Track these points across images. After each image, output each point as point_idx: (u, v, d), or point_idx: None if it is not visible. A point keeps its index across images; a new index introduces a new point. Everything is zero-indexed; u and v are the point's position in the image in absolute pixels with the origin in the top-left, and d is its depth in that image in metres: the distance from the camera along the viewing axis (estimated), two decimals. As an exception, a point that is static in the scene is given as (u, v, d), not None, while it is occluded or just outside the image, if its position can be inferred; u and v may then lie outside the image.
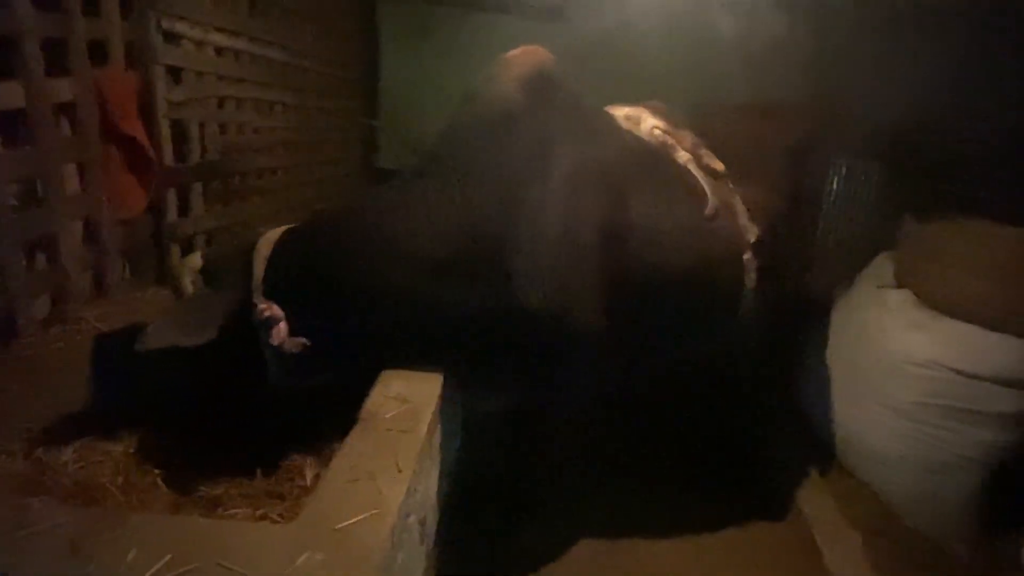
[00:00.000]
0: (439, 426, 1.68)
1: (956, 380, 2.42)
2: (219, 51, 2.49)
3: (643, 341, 1.98)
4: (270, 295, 1.59)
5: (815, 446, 2.80)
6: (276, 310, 1.56)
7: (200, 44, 2.39)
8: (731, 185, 2.08)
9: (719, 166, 2.09)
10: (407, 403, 1.56)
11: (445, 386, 1.68)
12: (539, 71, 1.77)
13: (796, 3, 4.32)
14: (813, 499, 2.40)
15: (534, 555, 2.08)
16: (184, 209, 2.53)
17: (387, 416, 1.51)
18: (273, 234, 1.67)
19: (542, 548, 2.10)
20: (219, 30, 2.44)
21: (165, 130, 2.32)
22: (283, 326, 1.56)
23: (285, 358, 1.57)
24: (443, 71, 4.24)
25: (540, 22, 4.43)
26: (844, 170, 4.45)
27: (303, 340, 1.58)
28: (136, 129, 2.06)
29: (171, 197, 2.42)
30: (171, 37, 2.28)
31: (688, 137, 2.11)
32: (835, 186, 4.26)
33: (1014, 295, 2.41)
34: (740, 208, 2.05)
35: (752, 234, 2.02)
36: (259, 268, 1.60)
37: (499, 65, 1.83)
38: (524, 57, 1.80)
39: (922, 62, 3.90)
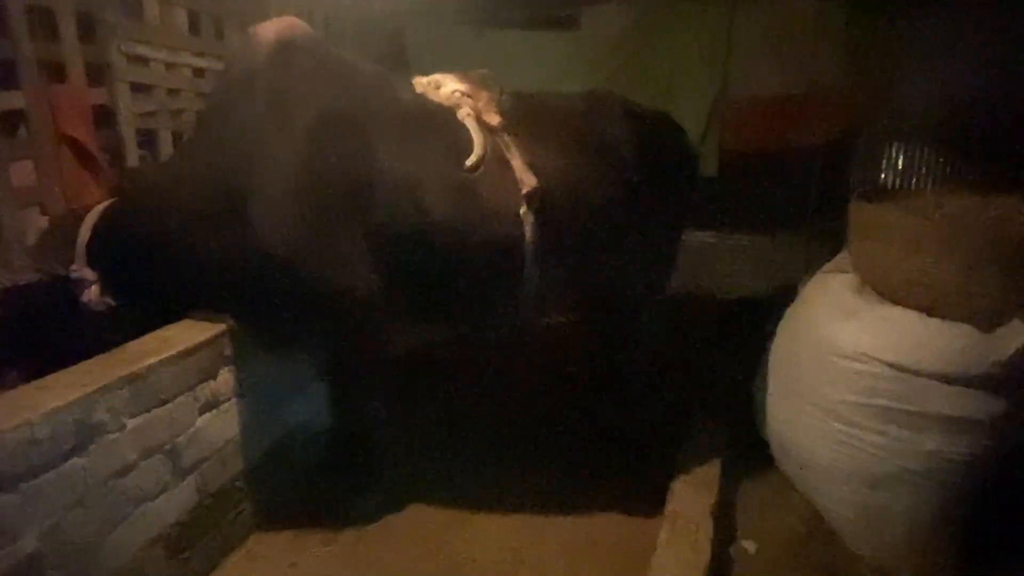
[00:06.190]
0: (231, 370, 1.86)
1: (890, 376, 2.05)
2: (168, 66, 2.88)
3: (426, 298, 2.00)
4: (92, 258, 1.84)
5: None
6: (87, 273, 1.82)
7: (155, 62, 2.80)
8: (507, 138, 2.02)
9: (494, 119, 2.04)
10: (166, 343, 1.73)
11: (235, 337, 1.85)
12: (283, 38, 1.87)
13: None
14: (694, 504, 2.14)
15: (357, 519, 2.09)
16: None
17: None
18: (103, 205, 1.94)
19: (366, 514, 2.11)
20: (169, 48, 2.82)
21: (130, 137, 2.75)
22: (94, 288, 1.82)
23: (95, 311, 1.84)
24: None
25: (554, 33, 4.47)
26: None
27: (108, 300, 1.83)
28: (83, 134, 2.47)
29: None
30: (132, 58, 2.71)
31: (485, 97, 2.10)
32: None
33: (957, 271, 2.00)
34: (517, 161, 1.98)
35: (527, 185, 1.94)
36: (84, 235, 1.86)
37: (244, 36, 1.96)
38: (269, 26, 1.91)
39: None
